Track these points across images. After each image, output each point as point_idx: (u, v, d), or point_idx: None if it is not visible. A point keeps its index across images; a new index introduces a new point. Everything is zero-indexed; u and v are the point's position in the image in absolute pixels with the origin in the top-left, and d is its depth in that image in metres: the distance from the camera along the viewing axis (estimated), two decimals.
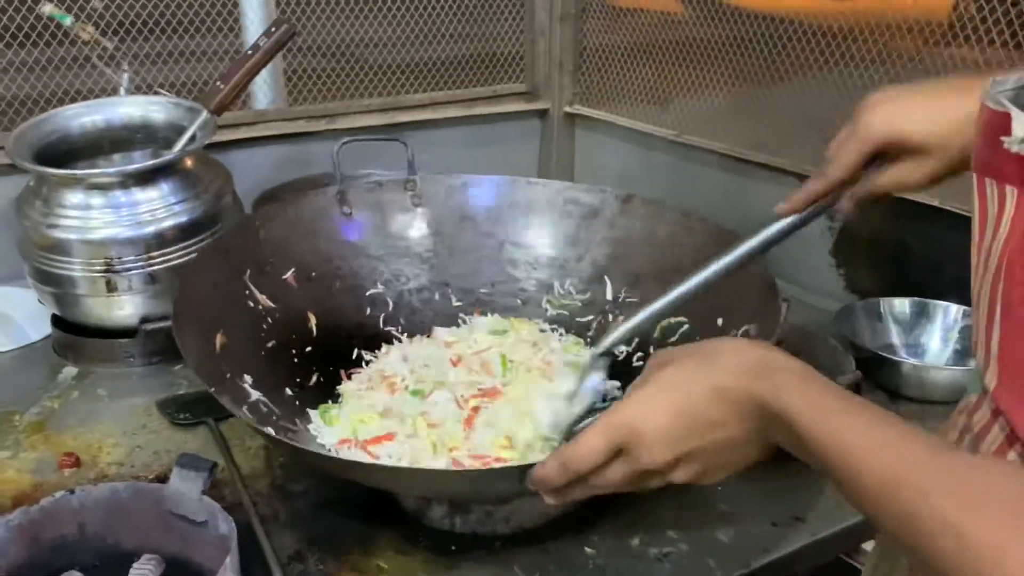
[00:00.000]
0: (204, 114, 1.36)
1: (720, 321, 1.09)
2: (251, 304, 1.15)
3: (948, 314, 1.36)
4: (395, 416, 1.08)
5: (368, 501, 1.01)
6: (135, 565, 0.94)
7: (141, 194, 1.29)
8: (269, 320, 1.17)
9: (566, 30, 2.06)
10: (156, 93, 1.46)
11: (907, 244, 1.47)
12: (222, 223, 1.35)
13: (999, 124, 0.56)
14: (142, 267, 1.28)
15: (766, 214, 1.65)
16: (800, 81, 1.63)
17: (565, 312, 1.30)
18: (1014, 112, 0.55)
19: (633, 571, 0.93)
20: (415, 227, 1.32)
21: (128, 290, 1.28)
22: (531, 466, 0.76)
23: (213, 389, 0.94)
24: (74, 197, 1.28)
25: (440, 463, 1.00)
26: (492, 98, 2.07)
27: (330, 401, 1.16)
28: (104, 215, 1.28)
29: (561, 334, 1.27)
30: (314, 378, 1.18)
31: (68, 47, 1.56)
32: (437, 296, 1.32)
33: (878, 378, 1.26)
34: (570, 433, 0.86)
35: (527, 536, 0.97)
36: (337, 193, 1.28)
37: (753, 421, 0.67)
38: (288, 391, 1.13)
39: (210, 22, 1.71)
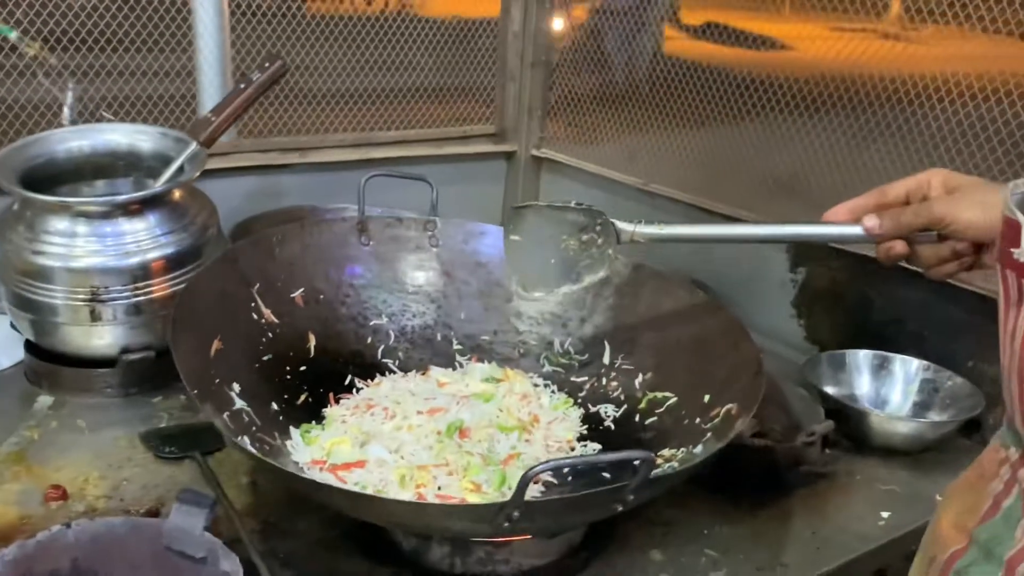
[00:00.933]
0: (193, 146, 1.36)
1: (707, 398, 1.13)
2: (255, 316, 1.19)
3: (909, 367, 1.43)
4: (372, 445, 1.10)
5: (365, 540, 1.02)
6: None
7: (128, 224, 1.28)
8: (270, 334, 1.20)
9: (536, 76, 2.11)
10: (99, 120, 1.45)
11: (868, 298, 1.54)
12: (207, 256, 1.34)
13: (1010, 233, 0.62)
14: (128, 297, 1.27)
15: (727, 265, 1.72)
16: (767, 136, 1.70)
17: (561, 370, 1.33)
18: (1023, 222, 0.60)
19: None
20: (428, 267, 1.36)
21: (112, 320, 1.27)
22: (479, 506, 0.80)
23: (195, 392, 0.97)
24: (59, 223, 1.26)
25: (405, 496, 1.01)
26: (461, 138, 2.10)
27: (314, 422, 1.18)
28: (90, 243, 1.26)
29: (553, 391, 1.30)
30: (303, 397, 1.21)
31: (7, 55, 1.53)
32: (439, 336, 1.35)
33: (845, 428, 1.32)
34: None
35: None
36: (358, 223, 1.32)
37: None
38: (275, 405, 1.16)
39: (163, 41, 1.70)
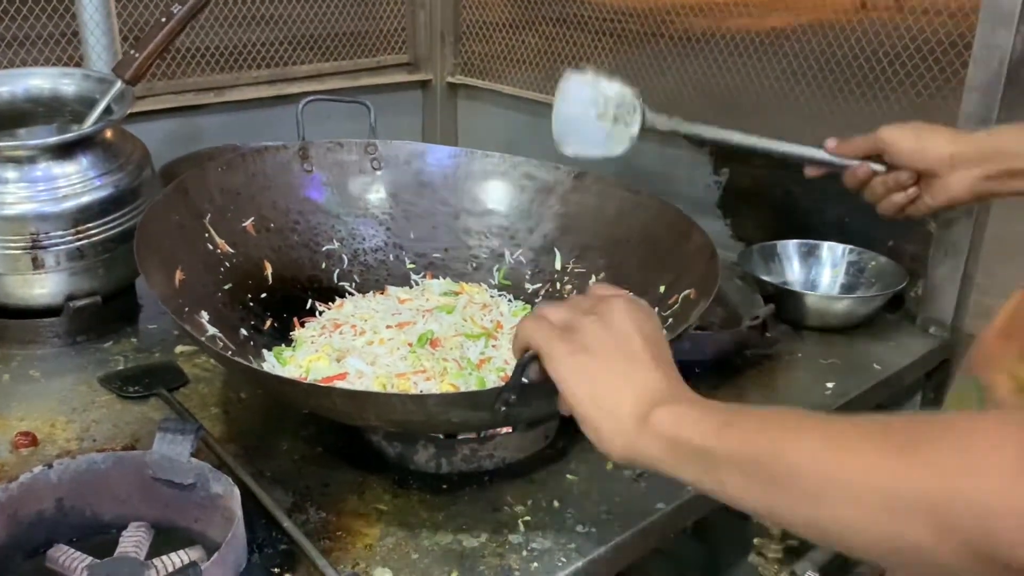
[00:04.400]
0: (119, 84, 1.32)
1: (662, 289, 1.17)
2: (210, 247, 1.19)
3: (835, 251, 1.52)
4: (349, 359, 1.11)
5: (350, 453, 1.04)
6: (124, 534, 0.93)
7: (59, 168, 1.24)
8: (227, 264, 1.20)
9: (446, 2, 2.10)
10: None
11: (791, 192, 1.62)
12: (144, 197, 1.32)
13: None
14: (69, 242, 1.24)
15: (653, 171, 1.77)
16: (686, 46, 1.74)
17: (508, 282, 1.35)
18: None
19: (615, 491, 1.00)
20: (374, 190, 1.36)
21: (55, 267, 1.24)
22: (479, 392, 0.83)
23: (178, 317, 0.99)
24: None
25: None
26: (376, 69, 2.08)
27: (283, 345, 1.19)
28: (21, 189, 1.22)
29: (510, 299, 1.33)
30: (268, 323, 1.22)
31: None
32: (392, 257, 1.36)
33: (783, 312, 1.39)
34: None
35: (512, 470, 1.03)
36: (299, 149, 1.31)
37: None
38: (244, 331, 1.17)
39: (42, 5, 1.62)
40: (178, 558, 0.89)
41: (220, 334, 1.09)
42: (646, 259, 1.22)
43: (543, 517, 0.96)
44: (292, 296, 1.27)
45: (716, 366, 1.26)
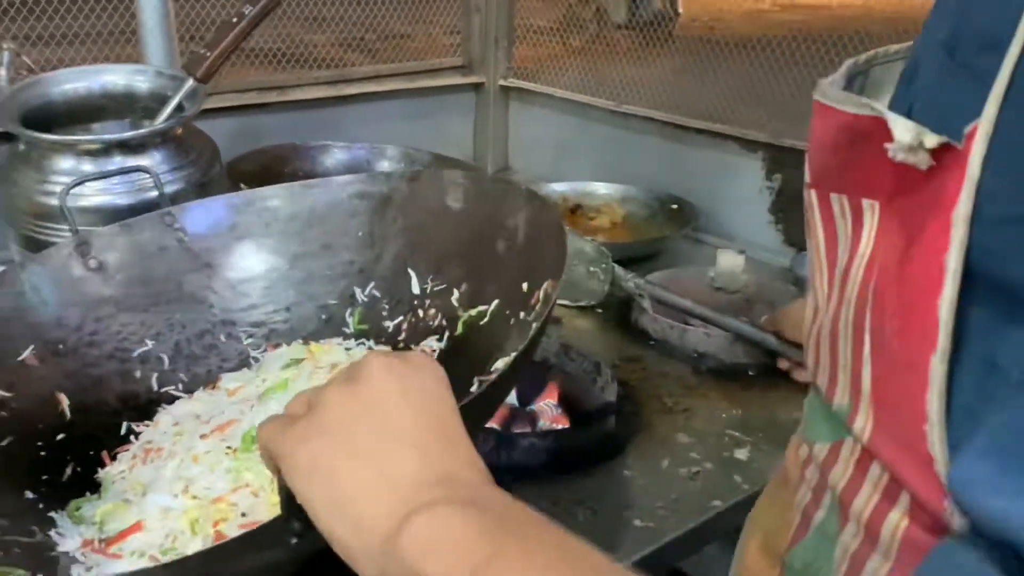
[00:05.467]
0: (190, 82, 1.36)
1: (525, 286, 0.94)
2: None
3: None
4: (150, 496, 0.87)
5: None
6: None
7: (132, 162, 1.28)
8: (3, 414, 0.93)
9: (500, 6, 2.13)
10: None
11: None
12: (212, 193, 1.35)
13: (863, 130, 0.48)
14: None
15: (703, 179, 1.79)
16: (738, 50, 1.76)
17: (365, 326, 1.08)
18: (891, 116, 0.46)
19: (671, 488, 1.02)
20: (180, 265, 1.08)
21: None
22: (250, 535, 0.60)
23: None
24: (65, 164, 1.26)
25: (197, 543, 0.79)
26: (431, 71, 2.12)
27: (88, 493, 0.91)
28: (97, 183, 1.27)
29: (371, 346, 1.06)
30: (68, 470, 0.94)
31: None
32: (223, 337, 1.08)
33: None
34: None
35: (569, 465, 1.05)
36: (77, 246, 1.04)
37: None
38: (29, 494, 0.89)
39: (103, 4, 1.66)
40: None
41: None
42: (503, 255, 1.00)
43: (604, 511, 0.98)
44: (101, 424, 0.99)
45: (772, 369, 1.28)
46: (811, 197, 0.56)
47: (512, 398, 1.13)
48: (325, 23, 1.97)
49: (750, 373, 1.24)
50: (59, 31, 1.67)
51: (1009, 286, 0.42)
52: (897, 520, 0.50)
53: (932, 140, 0.44)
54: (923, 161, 0.44)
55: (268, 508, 0.81)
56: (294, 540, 0.55)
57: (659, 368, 1.25)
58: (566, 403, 1.14)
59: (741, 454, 1.08)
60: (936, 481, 0.46)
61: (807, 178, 0.56)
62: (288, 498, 0.53)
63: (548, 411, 1.14)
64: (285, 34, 1.90)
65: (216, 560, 0.64)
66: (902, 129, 0.45)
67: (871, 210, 0.51)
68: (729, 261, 1.38)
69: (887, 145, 0.45)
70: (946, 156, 0.44)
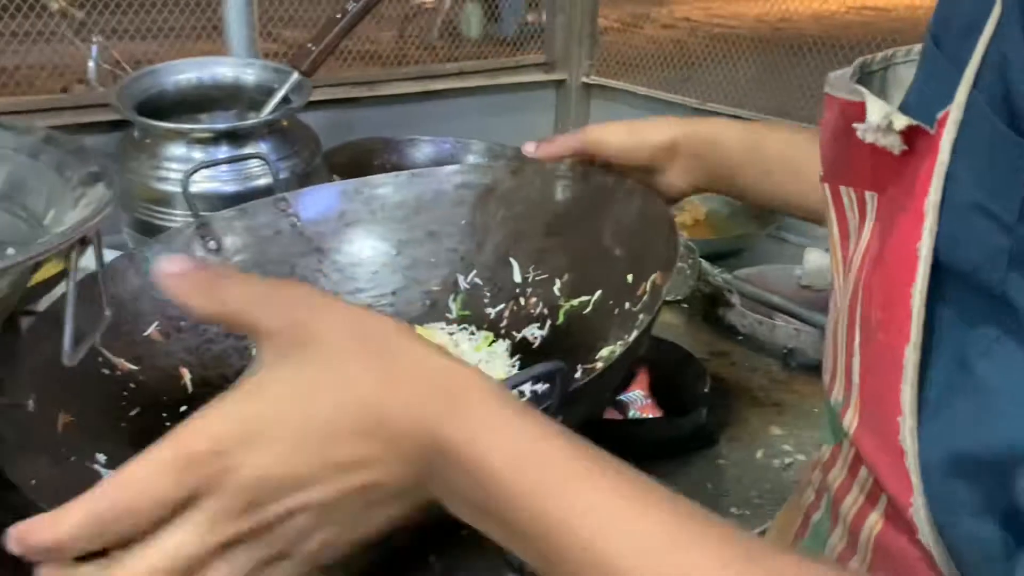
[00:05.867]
0: (295, 75, 1.41)
1: (630, 278, 0.96)
2: (106, 371, 0.97)
3: None
4: None
5: None
6: None
7: (239, 152, 1.34)
8: (131, 385, 0.98)
9: (584, 5, 2.15)
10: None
11: None
12: (314, 182, 1.40)
13: (854, 116, 0.46)
14: None
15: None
16: (823, 49, 1.76)
17: (467, 312, 1.12)
18: (868, 97, 0.45)
19: (765, 478, 1.04)
20: (294, 248, 1.14)
21: None
22: None
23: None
24: (178, 150, 1.32)
25: None
26: (514, 68, 2.16)
27: None
28: (207, 170, 1.32)
29: (472, 332, 1.09)
30: None
31: (34, 20, 1.56)
32: None
33: None
34: None
35: (665, 452, 1.07)
36: (197, 228, 1.10)
37: (414, 465, 0.44)
38: None
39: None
40: None
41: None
42: (608, 246, 1.02)
43: (699, 499, 1.00)
44: None
45: None
46: (826, 191, 0.56)
47: None
48: (412, 19, 2.02)
49: None
50: (144, 25, 1.74)
51: (968, 277, 0.41)
52: (874, 522, 0.50)
53: (901, 122, 0.43)
54: (894, 144, 0.44)
55: None
56: None
57: (748, 363, 1.26)
58: (656, 394, 1.16)
59: None
60: (906, 476, 0.45)
61: (820, 172, 0.56)
62: None
63: (638, 401, 1.16)
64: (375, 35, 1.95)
65: None
66: (873, 110, 0.44)
67: (872, 202, 0.51)
68: (817, 259, 1.39)
69: (856, 125, 0.45)
70: (921, 143, 0.43)
